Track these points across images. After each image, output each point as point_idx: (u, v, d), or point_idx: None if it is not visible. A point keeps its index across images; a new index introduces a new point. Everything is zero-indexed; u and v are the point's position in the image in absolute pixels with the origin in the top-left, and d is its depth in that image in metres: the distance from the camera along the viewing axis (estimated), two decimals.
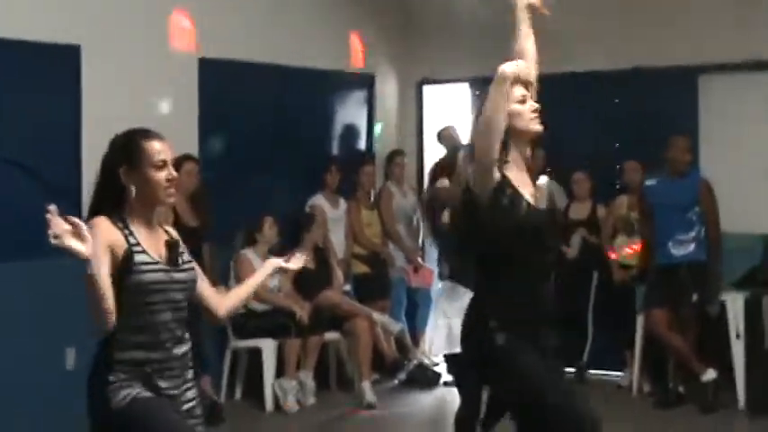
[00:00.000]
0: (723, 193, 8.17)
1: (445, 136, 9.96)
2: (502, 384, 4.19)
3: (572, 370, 9.06)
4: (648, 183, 8.27)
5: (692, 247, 7.98)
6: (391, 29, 10.33)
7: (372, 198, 9.61)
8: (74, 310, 7.40)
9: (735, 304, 8.13)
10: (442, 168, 10.04)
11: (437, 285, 9.92)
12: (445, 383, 9.18)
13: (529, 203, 4.09)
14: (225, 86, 8.59)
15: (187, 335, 3.79)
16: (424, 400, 8.79)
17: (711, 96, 8.95)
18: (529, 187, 4.13)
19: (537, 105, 4.16)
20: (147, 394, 3.61)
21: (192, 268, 3.82)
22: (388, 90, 10.42)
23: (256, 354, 8.32)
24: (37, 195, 7.16)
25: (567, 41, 9.37)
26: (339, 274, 8.93)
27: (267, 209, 8.63)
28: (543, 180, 4.28)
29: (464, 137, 10.06)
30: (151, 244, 3.68)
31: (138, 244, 3.62)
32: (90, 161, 7.67)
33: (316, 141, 9.52)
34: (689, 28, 8.98)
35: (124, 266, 3.57)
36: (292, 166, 9.11)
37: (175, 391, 3.72)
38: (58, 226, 3.26)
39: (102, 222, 3.59)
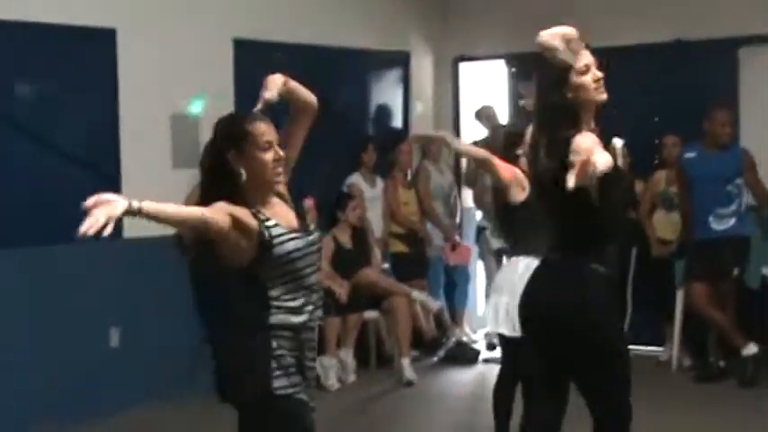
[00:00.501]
0: (763, 165, 8.11)
1: (484, 115, 9.94)
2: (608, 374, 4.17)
3: None
4: (687, 155, 8.21)
5: (732, 221, 7.93)
6: (426, 6, 10.31)
7: (409, 177, 9.60)
8: (118, 290, 7.59)
9: None
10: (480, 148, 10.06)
11: (475, 263, 9.95)
12: (485, 360, 9.20)
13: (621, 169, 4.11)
14: (260, 67, 8.55)
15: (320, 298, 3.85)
16: (464, 378, 8.80)
17: (752, 68, 8.87)
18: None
19: (600, 74, 4.13)
20: (302, 396, 3.69)
21: (315, 229, 3.86)
22: (423, 68, 10.40)
23: None
24: (76, 180, 7.28)
25: (609, 15, 9.33)
26: (377, 252, 8.95)
27: (305, 189, 8.62)
28: (619, 142, 4.21)
29: (502, 115, 10.06)
30: (278, 214, 3.74)
31: (268, 219, 3.67)
32: (128, 146, 7.75)
33: (352, 121, 9.52)
34: (729, 0, 8.89)
35: (263, 242, 3.62)
36: (329, 146, 9.09)
37: (312, 364, 3.79)
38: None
39: (226, 204, 3.59)
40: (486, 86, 10.54)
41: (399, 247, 9.38)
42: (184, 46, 8.08)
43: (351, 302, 8.39)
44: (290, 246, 3.66)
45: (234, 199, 3.62)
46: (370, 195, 9.19)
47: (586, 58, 4.14)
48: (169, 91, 8.00)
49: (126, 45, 7.71)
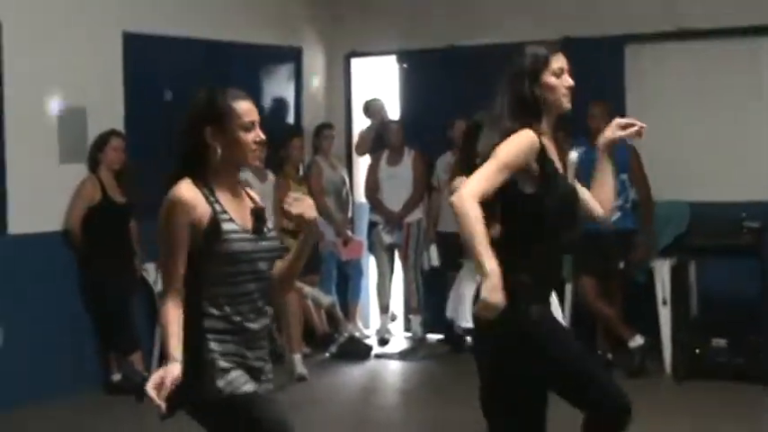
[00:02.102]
0: (650, 161, 8.27)
1: (372, 108, 9.98)
2: (540, 361, 4.00)
3: None
4: (575, 151, 8.31)
5: (618, 214, 8.06)
6: (318, 1, 10.29)
7: (301, 172, 9.58)
8: (1, 288, 7.42)
9: (662, 271, 8.26)
10: (365, 139, 10.09)
11: (367, 258, 9.98)
12: (377, 356, 9.23)
13: (566, 179, 4.09)
14: (151, 61, 8.50)
15: (267, 307, 3.69)
16: (356, 373, 8.81)
17: (638, 65, 9.05)
18: (560, 165, 4.10)
19: (571, 82, 4.07)
20: (248, 388, 3.55)
21: (277, 237, 3.76)
22: (315, 63, 10.38)
23: None
24: None
25: (496, 12, 9.42)
26: None
27: None
28: (574, 156, 4.21)
29: (390, 109, 10.11)
30: (236, 210, 3.61)
31: (224, 212, 3.55)
32: (13, 140, 7.57)
33: None
34: None
35: (211, 235, 3.50)
36: None
37: (261, 363, 3.66)
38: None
39: (186, 192, 3.50)
40: (378, 82, 10.57)
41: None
42: (73, 39, 7.94)
43: None
44: (237, 246, 3.54)
45: (199, 176, 3.53)
46: (260, 190, 9.10)
47: (562, 62, 4.07)
48: (57, 85, 7.86)
49: (12, 38, 7.52)
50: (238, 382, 3.54)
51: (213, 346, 3.52)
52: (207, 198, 3.54)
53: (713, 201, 8.52)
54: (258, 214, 3.67)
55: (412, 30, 9.99)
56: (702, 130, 8.81)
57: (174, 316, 3.47)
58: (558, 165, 4.09)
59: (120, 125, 8.10)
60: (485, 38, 9.39)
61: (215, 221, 3.52)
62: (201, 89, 3.70)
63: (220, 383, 3.51)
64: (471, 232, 3.76)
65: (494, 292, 3.72)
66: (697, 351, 7.96)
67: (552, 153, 4.07)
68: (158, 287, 8.28)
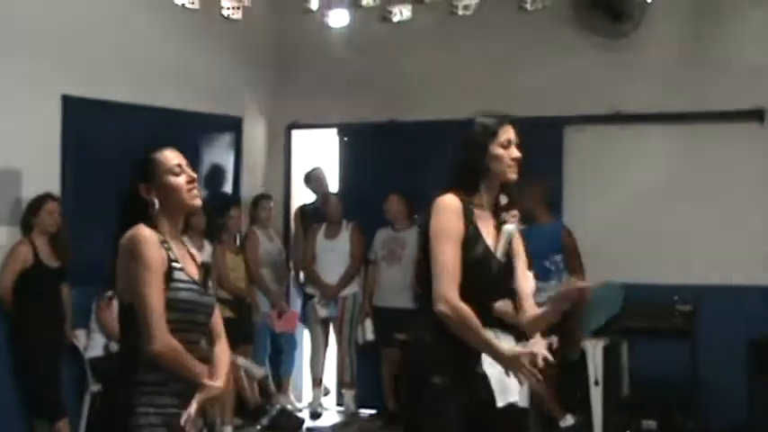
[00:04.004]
0: (584, 242, 8.34)
1: (313, 178, 10.00)
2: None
3: None
4: (508, 226, 8.35)
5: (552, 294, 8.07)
6: (259, 72, 10.32)
7: (238, 242, 9.54)
8: None
9: (594, 351, 8.30)
10: (306, 213, 10.09)
11: (302, 330, 9.92)
12: (308, 429, 9.14)
13: (491, 252, 4.11)
14: (90, 125, 8.45)
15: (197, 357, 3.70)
16: None
17: (576, 147, 9.17)
18: (492, 234, 4.15)
19: (519, 155, 4.15)
20: None
21: (213, 295, 3.78)
22: (256, 133, 10.40)
23: None
24: None
25: (436, 88, 9.52)
26: None
27: None
28: (510, 227, 4.24)
29: (331, 180, 10.14)
30: (184, 260, 3.64)
31: (176, 260, 3.57)
32: None
33: None
34: (556, 80, 9.19)
35: (165, 280, 3.52)
36: None
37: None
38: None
39: (148, 231, 3.53)
40: (318, 154, 10.60)
41: (226, 312, 9.23)
42: (11, 100, 7.88)
43: None
44: (184, 295, 3.56)
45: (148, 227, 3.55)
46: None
47: (510, 133, 4.16)
48: None
49: None
50: None
51: (146, 399, 3.50)
52: (162, 245, 3.57)
53: (646, 283, 8.61)
54: (207, 268, 3.74)
55: (353, 103, 10.04)
56: (637, 212, 8.93)
57: (182, 348, 3.52)
58: (486, 232, 4.12)
59: (56, 188, 8.03)
60: (425, 114, 9.48)
61: (170, 267, 3.55)
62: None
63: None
64: (475, 331, 3.89)
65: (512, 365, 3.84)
66: None
67: (481, 219, 4.11)
68: (88, 354, 8.17)
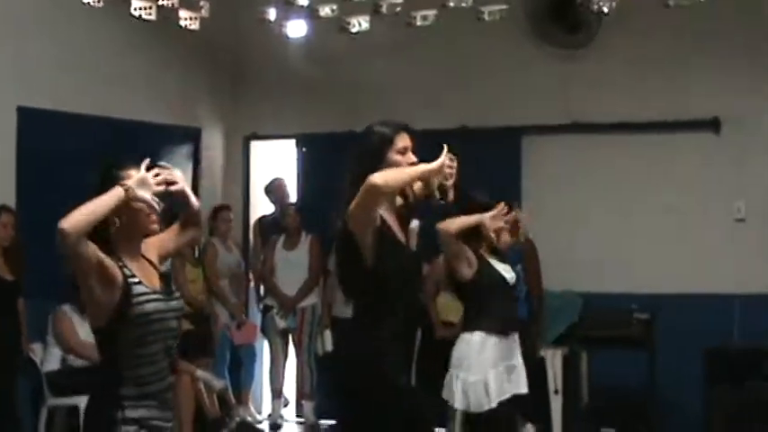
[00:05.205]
0: (542, 251, 8.38)
1: (274, 188, 9.97)
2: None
3: None
4: (414, 224, 8.36)
5: None
6: (219, 83, 10.30)
7: (197, 254, 9.49)
8: None
9: (554, 360, 8.33)
10: (265, 225, 10.06)
11: (261, 342, 9.88)
12: None
13: (405, 246, 4.23)
14: (46, 137, 8.38)
15: (173, 364, 3.69)
16: None
17: (534, 156, 9.21)
18: (399, 231, 4.26)
19: (413, 159, 4.27)
20: None
21: (180, 297, 3.76)
22: (214, 144, 10.36)
23: (74, 412, 8.07)
24: None
25: (395, 99, 9.52)
26: None
27: None
28: (415, 224, 4.39)
29: (291, 192, 10.12)
30: (143, 274, 3.60)
31: (133, 275, 3.54)
32: None
33: None
34: (514, 91, 9.24)
35: (124, 299, 3.48)
36: None
37: (168, 424, 3.63)
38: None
39: (97, 250, 3.46)
40: (277, 165, 10.58)
41: (185, 324, 9.20)
42: None
43: None
44: (150, 307, 3.54)
45: (103, 246, 3.49)
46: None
47: (405, 141, 4.27)
48: None
49: None
50: None
51: (128, 413, 3.50)
52: (116, 262, 3.53)
53: (604, 292, 8.66)
54: (166, 275, 3.74)
55: (311, 113, 10.04)
56: (595, 221, 8.98)
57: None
58: (399, 234, 4.26)
59: (11, 201, 7.96)
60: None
61: (127, 285, 3.52)
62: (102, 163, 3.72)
63: None
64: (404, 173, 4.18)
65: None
66: None
67: (393, 223, 4.25)
68: (44, 367, 8.10)
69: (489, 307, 6.03)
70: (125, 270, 3.54)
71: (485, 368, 5.87)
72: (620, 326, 8.36)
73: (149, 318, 3.54)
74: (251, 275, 10.08)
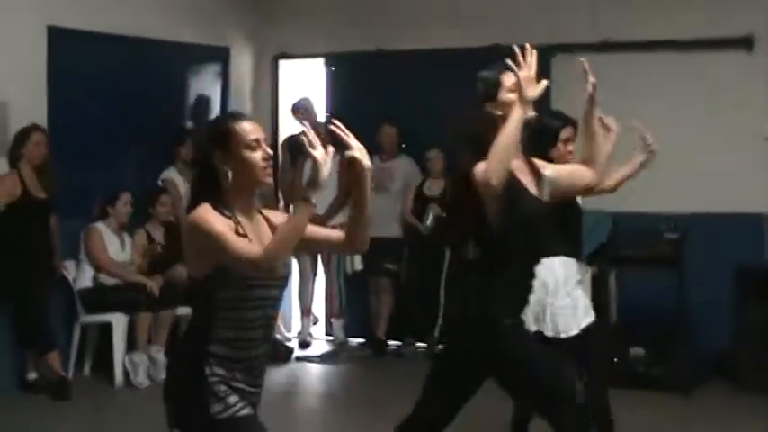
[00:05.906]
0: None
1: (301, 108, 9.93)
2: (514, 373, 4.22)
3: (423, 345, 9.19)
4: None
5: None
6: (247, 2, 10.24)
7: None
8: None
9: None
10: (293, 144, 10.04)
11: (290, 260, 9.93)
12: (297, 359, 9.20)
13: (532, 195, 4.31)
14: (76, 57, 8.39)
15: (271, 333, 3.64)
16: (277, 375, 8.73)
17: (564, 76, 9.12)
18: (529, 178, 4.37)
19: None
20: (246, 412, 3.47)
21: (289, 264, 3.69)
22: (243, 64, 10.33)
23: (106, 329, 8.19)
24: None
25: (424, 18, 9.46)
26: None
27: (120, 181, 8.53)
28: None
29: (319, 110, 10.10)
30: (255, 235, 3.51)
31: (245, 235, 3.45)
32: None
33: (170, 114, 9.36)
34: (546, 8, 9.14)
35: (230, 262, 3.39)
36: (147, 139, 8.97)
37: (258, 390, 3.58)
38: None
39: (210, 210, 3.42)
40: (305, 84, 10.55)
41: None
42: None
43: (163, 298, 8.25)
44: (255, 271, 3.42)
45: (218, 201, 3.46)
46: (185, 190, 9.04)
47: (513, 78, 4.27)
48: None
49: None
50: (236, 407, 3.46)
51: (215, 370, 3.45)
52: (230, 219, 3.46)
53: (635, 211, 8.62)
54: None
55: (340, 33, 9.98)
56: (626, 141, 8.89)
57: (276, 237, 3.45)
58: (526, 182, 4.34)
59: (42, 120, 7.99)
60: (413, 43, 9.43)
61: None
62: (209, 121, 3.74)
63: (218, 407, 3.43)
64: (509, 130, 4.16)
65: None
66: (615, 360, 8.05)
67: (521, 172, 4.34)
68: (77, 285, 8.20)
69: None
70: (238, 227, 3.46)
71: (570, 292, 5.84)
72: (649, 245, 8.33)
73: (251, 282, 3.45)
74: (280, 195, 10.10)
